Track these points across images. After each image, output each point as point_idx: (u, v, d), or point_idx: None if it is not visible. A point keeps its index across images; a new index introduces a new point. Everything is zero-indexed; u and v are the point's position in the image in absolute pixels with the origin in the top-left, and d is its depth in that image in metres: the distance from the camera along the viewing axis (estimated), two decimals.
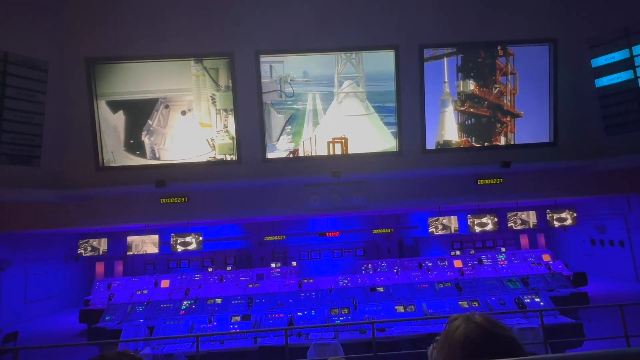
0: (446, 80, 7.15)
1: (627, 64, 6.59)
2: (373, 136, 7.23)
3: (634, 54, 6.52)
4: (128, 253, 9.03)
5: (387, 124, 7.20)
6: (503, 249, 11.98)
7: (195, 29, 6.68)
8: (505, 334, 0.88)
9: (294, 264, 12.48)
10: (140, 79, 6.81)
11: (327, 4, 6.71)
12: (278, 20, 6.72)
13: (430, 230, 9.37)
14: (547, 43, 7.01)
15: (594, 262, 12.66)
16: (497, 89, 7.18)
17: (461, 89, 7.18)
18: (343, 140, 7.25)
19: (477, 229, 9.31)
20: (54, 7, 6.44)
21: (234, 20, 6.68)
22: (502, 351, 0.84)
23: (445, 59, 7.07)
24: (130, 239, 9.02)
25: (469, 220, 9.33)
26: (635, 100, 6.63)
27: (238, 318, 6.13)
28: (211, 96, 6.95)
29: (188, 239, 8.84)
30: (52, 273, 12.35)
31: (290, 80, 6.95)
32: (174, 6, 6.63)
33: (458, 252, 12.57)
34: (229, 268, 11.95)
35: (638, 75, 6.53)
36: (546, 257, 10.82)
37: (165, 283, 10.52)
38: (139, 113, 6.90)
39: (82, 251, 9.04)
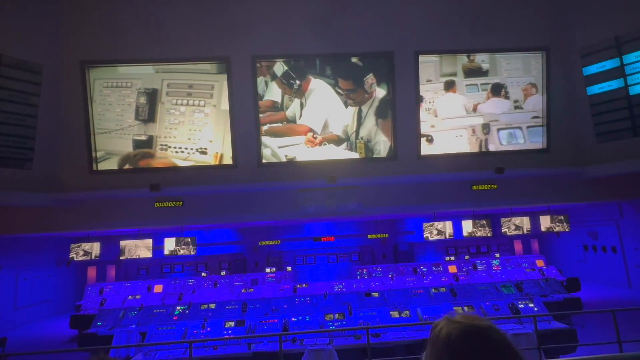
0: None
1: (618, 72, 6.72)
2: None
3: (624, 63, 6.65)
4: (121, 257, 8.95)
5: None
6: (497, 255, 12.02)
7: (191, 33, 6.70)
8: (483, 323, 0.92)
9: (289, 269, 12.42)
10: None
11: (323, 10, 6.77)
12: (274, 25, 6.76)
13: (425, 236, 9.41)
14: (539, 51, 7.13)
15: (587, 268, 12.76)
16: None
17: None
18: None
19: (469, 230, 9.36)
20: (50, 10, 6.43)
21: (230, 25, 6.71)
22: (482, 338, 0.89)
23: None
24: (123, 243, 8.94)
25: (464, 225, 9.39)
26: (625, 108, 6.75)
27: (232, 323, 6.07)
28: None
29: (182, 243, 8.80)
30: (43, 278, 12.16)
31: None
32: (170, 10, 6.65)
33: (453, 258, 12.60)
34: (223, 273, 11.85)
35: (628, 83, 6.65)
36: (540, 263, 10.88)
37: (158, 288, 10.40)
38: None
39: (74, 255, 8.93)
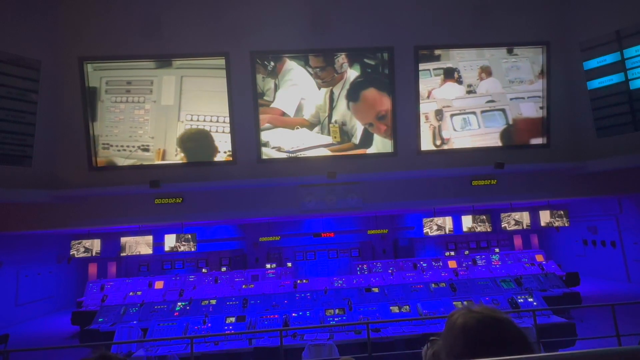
0: None
1: (618, 66, 6.69)
2: None
3: (624, 57, 6.61)
4: (122, 254, 8.96)
5: None
6: (497, 250, 12.06)
7: (190, 28, 6.66)
8: (502, 316, 0.92)
9: (289, 264, 12.46)
10: None
11: (322, 5, 6.72)
12: (273, 21, 6.72)
13: (424, 231, 9.42)
14: (540, 45, 7.09)
15: (586, 263, 12.80)
16: None
17: None
18: None
19: (469, 225, 9.38)
20: (48, 6, 6.38)
21: (230, 21, 6.67)
22: (499, 332, 0.89)
23: None
24: (123, 239, 8.95)
25: (463, 220, 9.39)
26: (625, 102, 6.73)
27: (233, 319, 6.10)
28: None
29: (183, 239, 8.81)
30: (44, 274, 12.20)
31: None
32: (169, 5, 6.60)
33: (452, 253, 12.65)
34: (223, 269, 11.89)
35: (629, 77, 6.63)
36: (539, 258, 10.92)
37: (159, 284, 10.44)
38: None
39: (75, 252, 8.94)
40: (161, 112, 6.90)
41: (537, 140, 7.44)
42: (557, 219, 9.30)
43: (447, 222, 9.47)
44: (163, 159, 7.00)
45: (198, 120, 6.99)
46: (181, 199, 7.67)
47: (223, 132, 7.05)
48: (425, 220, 9.47)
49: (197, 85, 6.88)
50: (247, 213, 8.04)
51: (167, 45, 6.65)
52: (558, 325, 5.53)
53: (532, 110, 7.33)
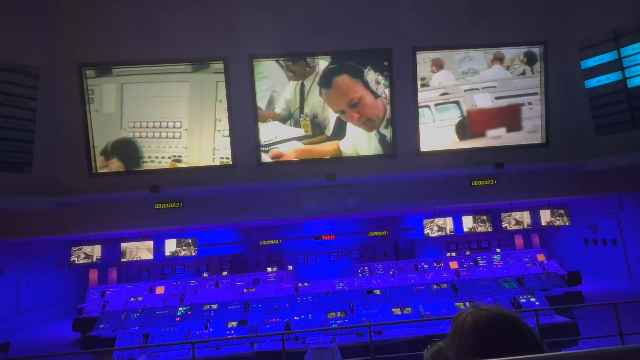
0: None
1: (616, 65, 6.71)
2: None
3: (622, 56, 6.63)
4: (122, 260, 8.94)
5: None
6: (498, 250, 12.04)
7: (188, 33, 6.68)
8: (512, 314, 0.93)
9: (290, 268, 12.44)
10: None
11: (320, 8, 6.75)
12: (271, 25, 6.74)
13: (425, 232, 9.41)
14: (537, 45, 7.12)
15: (588, 261, 12.77)
16: None
17: None
18: None
19: (470, 226, 9.39)
20: (46, 13, 6.40)
21: (228, 25, 6.69)
22: (509, 326, 0.90)
23: None
24: (124, 245, 8.93)
25: (464, 221, 9.39)
26: (623, 100, 6.74)
27: (234, 323, 6.08)
28: None
29: (183, 244, 8.80)
30: (45, 281, 12.16)
31: None
32: (168, 11, 6.62)
33: (454, 254, 12.64)
34: (224, 273, 11.87)
35: (626, 76, 6.64)
36: (541, 257, 10.89)
37: (160, 289, 10.41)
38: None
39: (75, 258, 8.93)
40: (103, 121, 6.87)
41: (493, 132, 7.42)
42: (557, 218, 9.30)
43: (448, 223, 9.47)
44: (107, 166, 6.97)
45: (141, 127, 6.94)
46: (181, 203, 7.67)
47: (174, 137, 7.01)
48: (425, 221, 9.46)
49: (139, 91, 6.84)
50: (248, 216, 8.04)
51: (166, 50, 6.67)
52: (561, 324, 5.51)
53: (487, 101, 7.29)
